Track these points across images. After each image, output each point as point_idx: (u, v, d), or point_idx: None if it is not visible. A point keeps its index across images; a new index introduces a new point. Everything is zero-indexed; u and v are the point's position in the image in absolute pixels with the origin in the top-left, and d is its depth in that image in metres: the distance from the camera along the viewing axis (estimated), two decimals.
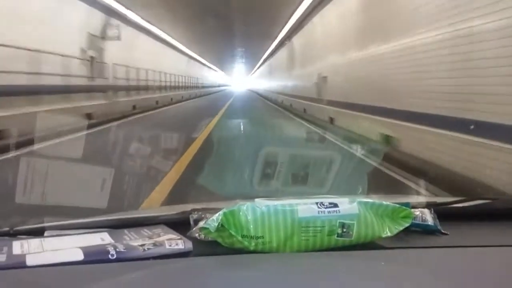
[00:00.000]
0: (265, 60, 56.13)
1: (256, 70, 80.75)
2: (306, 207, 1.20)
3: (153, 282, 1.00)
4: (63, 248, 1.13)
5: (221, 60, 65.34)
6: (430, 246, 1.30)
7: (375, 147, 10.98)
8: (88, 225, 1.35)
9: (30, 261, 1.06)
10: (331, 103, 17.92)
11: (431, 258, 1.23)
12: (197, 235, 1.25)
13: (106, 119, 17.11)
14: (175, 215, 1.42)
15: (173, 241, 1.19)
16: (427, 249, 1.29)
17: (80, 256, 1.09)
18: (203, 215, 1.29)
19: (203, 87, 63.94)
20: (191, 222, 1.30)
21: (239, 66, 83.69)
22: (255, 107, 34.89)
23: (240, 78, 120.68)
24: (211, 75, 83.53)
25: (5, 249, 1.12)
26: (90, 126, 14.65)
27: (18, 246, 1.14)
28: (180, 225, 1.31)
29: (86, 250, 1.10)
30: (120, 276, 1.01)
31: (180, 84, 43.46)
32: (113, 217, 1.45)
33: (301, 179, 5.09)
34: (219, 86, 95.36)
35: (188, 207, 1.42)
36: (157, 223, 1.35)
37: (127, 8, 21.82)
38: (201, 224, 1.24)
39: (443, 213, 1.44)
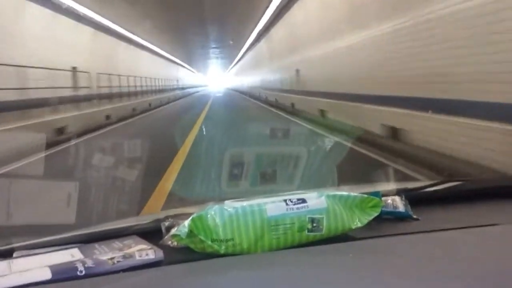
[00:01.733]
0: (243, 55, 53.42)
1: (233, 66, 77.31)
2: (274, 205, 1.20)
3: None
4: (31, 268, 1.11)
5: (195, 59, 62.66)
6: (402, 233, 1.30)
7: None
8: (58, 242, 1.32)
9: None
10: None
11: (404, 245, 1.23)
12: (169, 243, 1.23)
13: (77, 133, 15.60)
14: (148, 224, 1.40)
15: (144, 252, 1.17)
16: (399, 236, 1.29)
17: (48, 275, 1.06)
18: (175, 222, 1.28)
19: (180, 88, 60.98)
20: (163, 230, 1.28)
21: (214, 64, 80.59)
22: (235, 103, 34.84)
23: (217, 76, 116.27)
24: (187, 76, 78.92)
25: None
26: (55, 144, 13.38)
27: None
28: (152, 234, 1.30)
29: (54, 269, 1.08)
30: None
31: (157, 88, 40.94)
32: (84, 232, 1.42)
33: (269, 176, 5.10)
34: (196, 87, 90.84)
35: (161, 214, 1.40)
36: (129, 234, 1.33)
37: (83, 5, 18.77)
38: (172, 231, 1.23)
39: (415, 199, 1.45)
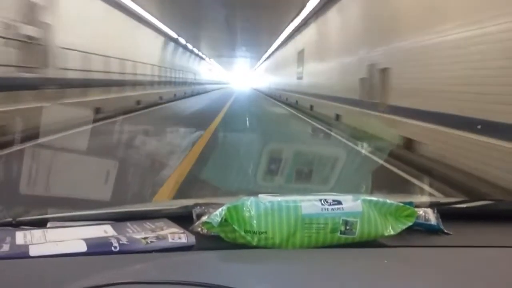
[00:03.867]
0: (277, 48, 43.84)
1: (263, 62, 65.02)
2: (309, 204, 1.20)
3: (155, 274, 1.00)
4: (65, 239, 1.14)
5: (218, 49, 53.01)
6: (432, 246, 1.30)
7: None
8: (90, 217, 1.35)
9: (33, 251, 1.07)
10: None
11: (433, 257, 1.23)
12: (199, 229, 1.25)
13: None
14: (178, 209, 1.42)
15: (176, 235, 1.19)
16: (429, 248, 1.29)
17: (83, 248, 1.09)
18: (205, 210, 1.29)
19: (193, 83, 50.15)
20: (194, 217, 1.30)
21: (240, 61, 71.28)
22: None
23: (242, 74, 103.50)
24: (205, 69, 68.64)
25: (8, 239, 1.12)
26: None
27: (21, 237, 1.14)
28: (183, 219, 1.31)
29: (89, 242, 1.11)
30: (122, 268, 1.01)
31: (159, 79, 32.61)
32: (116, 210, 1.45)
33: (305, 175, 5.08)
34: (215, 83, 76.60)
35: (191, 201, 1.42)
36: (159, 216, 1.35)
37: None
38: (203, 218, 1.24)
39: (446, 213, 1.44)
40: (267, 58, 57.67)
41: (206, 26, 32.96)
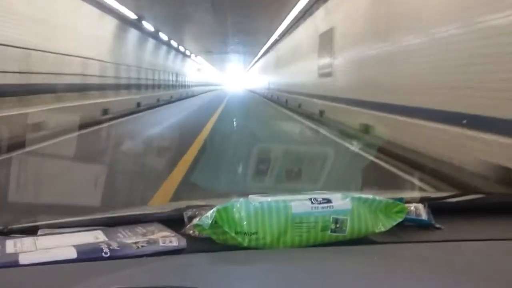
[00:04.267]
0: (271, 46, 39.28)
1: (257, 62, 59.26)
2: (299, 203, 1.20)
3: (147, 279, 1.00)
4: (56, 246, 1.13)
5: (205, 44, 43.63)
6: (423, 241, 1.30)
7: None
8: (81, 223, 1.35)
9: (23, 259, 1.06)
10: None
11: (425, 252, 1.23)
12: (191, 232, 1.25)
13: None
14: (169, 212, 1.42)
15: (167, 239, 1.19)
16: (420, 243, 1.29)
17: (73, 254, 1.09)
18: (197, 212, 1.29)
19: (173, 86, 42.18)
20: (185, 219, 1.30)
21: (232, 60, 64.11)
22: None
23: (235, 74, 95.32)
24: (192, 69, 58.76)
25: None
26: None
27: (11, 245, 1.14)
28: (174, 222, 1.31)
29: (80, 248, 1.10)
30: (113, 274, 1.01)
31: (112, 81, 23.03)
32: (107, 215, 1.45)
33: (295, 175, 5.08)
34: (205, 85, 68.88)
35: (182, 204, 1.42)
36: (151, 220, 1.35)
37: None
38: (195, 221, 1.24)
39: (437, 208, 1.45)
40: (266, 52, 46.30)
41: (190, 15, 26.00)
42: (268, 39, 36.75)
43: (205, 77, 74.34)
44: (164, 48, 38.73)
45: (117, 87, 23.29)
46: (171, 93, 37.84)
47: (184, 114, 23.14)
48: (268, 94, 42.05)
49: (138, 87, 28.43)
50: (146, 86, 30.85)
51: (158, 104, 28.57)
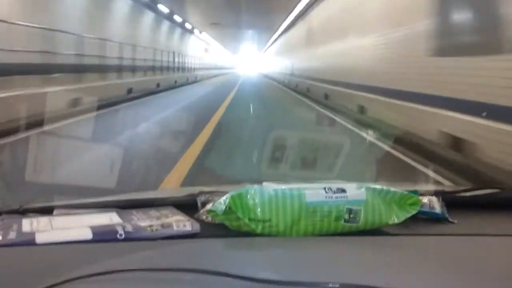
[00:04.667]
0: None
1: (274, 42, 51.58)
2: (314, 191, 1.20)
3: (160, 262, 1.01)
4: (72, 227, 1.15)
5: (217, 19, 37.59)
6: (437, 234, 1.30)
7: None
8: (96, 205, 1.36)
9: (39, 239, 1.08)
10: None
11: (438, 245, 1.23)
12: (204, 217, 1.26)
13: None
14: (183, 197, 1.43)
15: (181, 223, 1.20)
16: (433, 236, 1.29)
17: (89, 235, 1.10)
18: (210, 198, 1.30)
19: (171, 69, 33.94)
20: (199, 205, 1.31)
21: (246, 40, 57.14)
22: None
23: (250, 57, 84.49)
24: (196, 48, 49.86)
25: (14, 226, 1.13)
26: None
27: (27, 224, 1.15)
28: (188, 207, 1.32)
29: (95, 229, 1.12)
30: (127, 256, 1.02)
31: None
32: (121, 198, 1.46)
33: (310, 163, 5.06)
34: (213, 68, 59.43)
35: (196, 189, 1.42)
36: (165, 204, 1.36)
37: None
38: (208, 206, 1.25)
39: (451, 202, 1.44)
40: (290, 26, 36.67)
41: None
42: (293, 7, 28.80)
43: (215, 59, 66.91)
44: (161, 21, 32.63)
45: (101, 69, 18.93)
46: (170, 77, 31.23)
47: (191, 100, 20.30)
48: (288, 82, 34.18)
49: (130, 69, 23.05)
50: (140, 68, 25.10)
51: (158, 90, 23.81)
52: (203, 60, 53.25)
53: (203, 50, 54.03)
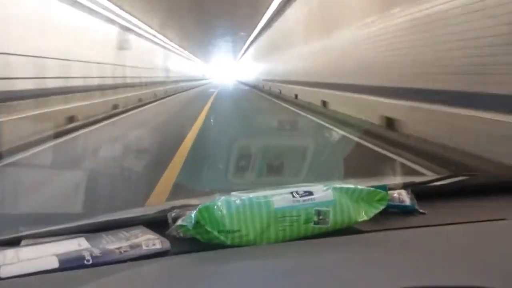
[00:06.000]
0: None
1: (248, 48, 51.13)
2: (281, 197, 1.20)
3: (130, 284, 0.99)
4: (38, 256, 1.12)
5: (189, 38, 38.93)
6: (408, 227, 1.31)
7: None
8: (65, 231, 1.33)
9: (3, 272, 1.05)
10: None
11: (409, 238, 1.23)
12: (175, 233, 1.24)
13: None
14: (154, 214, 1.41)
15: (150, 241, 1.18)
16: (405, 229, 1.30)
17: (55, 264, 1.07)
18: (181, 213, 1.29)
19: (161, 82, 34.90)
20: (170, 221, 1.29)
21: (219, 49, 56.58)
22: None
23: (224, 65, 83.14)
24: (175, 63, 47.69)
25: None
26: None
27: None
28: (160, 224, 1.31)
29: (61, 257, 1.09)
30: (96, 281, 1.00)
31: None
32: (91, 221, 1.43)
33: (276, 169, 5.09)
34: (189, 80, 56.48)
35: (167, 205, 1.41)
36: (136, 224, 1.34)
37: None
38: (179, 222, 1.24)
39: (421, 193, 1.46)
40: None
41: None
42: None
43: (188, 70, 61.23)
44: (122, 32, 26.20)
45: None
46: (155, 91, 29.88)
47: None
48: (266, 87, 34.39)
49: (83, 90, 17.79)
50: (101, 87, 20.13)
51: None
52: (176, 73, 47.65)
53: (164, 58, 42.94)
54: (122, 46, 24.17)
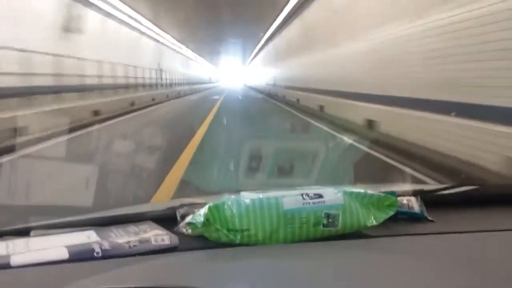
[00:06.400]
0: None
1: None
2: (291, 198, 1.20)
3: (138, 278, 1.00)
4: (48, 247, 1.13)
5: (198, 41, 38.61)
6: (416, 234, 1.30)
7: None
8: (74, 223, 1.34)
9: (14, 261, 1.06)
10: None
11: (417, 245, 1.23)
12: (184, 230, 1.25)
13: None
14: (163, 211, 1.42)
15: (159, 237, 1.18)
16: (413, 236, 1.29)
17: (65, 255, 1.08)
18: (190, 210, 1.29)
19: (167, 85, 36.10)
20: (178, 218, 1.30)
21: (228, 52, 54.90)
22: None
23: (232, 70, 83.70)
24: (182, 65, 49.73)
25: None
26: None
27: (3, 247, 1.13)
28: (168, 220, 1.31)
29: (71, 249, 1.10)
30: (104, 274, 1.00)
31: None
32: (100, 215, 1.44)
33: (287, 170, 5.09)
34: (197, 83, 57.54)
35: (175, 202, 1.41)
36: (144, 219, 1.35)
37: None
38: (187, 219, 1.24)
39: (430, 201, 1.45)
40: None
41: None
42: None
43: (191, 72, 61.42)
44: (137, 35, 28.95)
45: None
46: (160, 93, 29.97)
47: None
48: (272, 92, 34.00)
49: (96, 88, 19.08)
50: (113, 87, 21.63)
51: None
52: (183, 75, 50.13)
53: (171, 60, 45.64)
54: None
